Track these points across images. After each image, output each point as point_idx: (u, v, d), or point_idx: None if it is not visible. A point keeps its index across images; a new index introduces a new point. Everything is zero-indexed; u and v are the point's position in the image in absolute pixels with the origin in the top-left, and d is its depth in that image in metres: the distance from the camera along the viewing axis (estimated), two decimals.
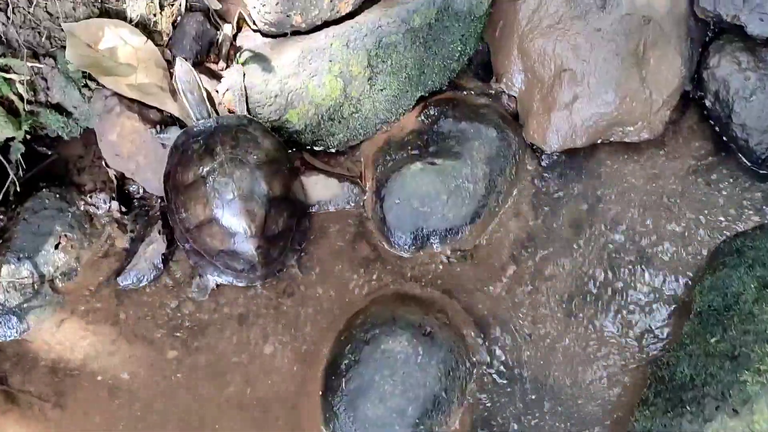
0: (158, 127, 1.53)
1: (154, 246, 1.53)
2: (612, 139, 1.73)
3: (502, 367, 1.52)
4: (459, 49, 1.71)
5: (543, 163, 1.74)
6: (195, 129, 1.51)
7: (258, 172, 1.48)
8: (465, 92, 1.80)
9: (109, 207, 1.59)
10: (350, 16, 1.62)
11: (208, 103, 1.53)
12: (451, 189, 1.57)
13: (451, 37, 1.68)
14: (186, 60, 1.52)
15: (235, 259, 1.49)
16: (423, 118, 1.72)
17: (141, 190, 1.64)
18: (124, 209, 1.60)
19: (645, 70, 1.67)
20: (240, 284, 1.55)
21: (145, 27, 1.60)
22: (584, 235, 1.66)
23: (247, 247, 1.46)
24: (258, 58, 1.54)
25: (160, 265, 1.55)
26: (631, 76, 1.66)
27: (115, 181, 1.60)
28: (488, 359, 1.52)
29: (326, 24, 1.60)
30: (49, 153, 1.64)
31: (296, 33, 1.62)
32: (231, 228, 1.45)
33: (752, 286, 1.36)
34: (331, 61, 1.56)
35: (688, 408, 1.26)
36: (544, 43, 1.70)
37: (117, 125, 1.49)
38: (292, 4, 1.53)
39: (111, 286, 1.55)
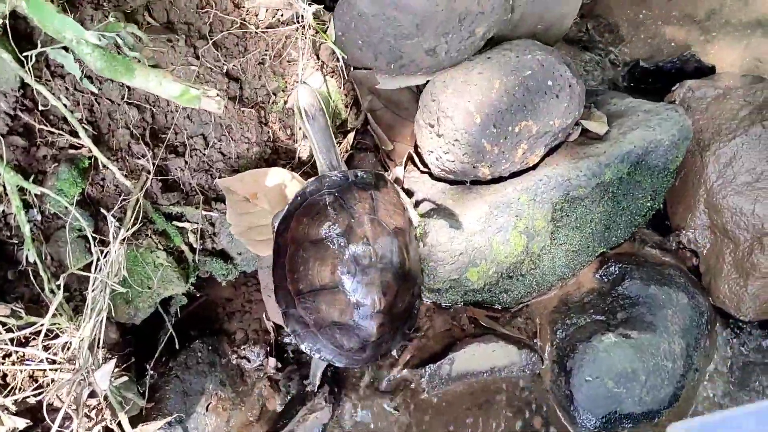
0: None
1: (317, 415, 1.37)
2: None
3: None
4: (648, 204, 1.57)
5: (736, 333, 1.56)
6: (328, 179, 1.28)
7: (395, 240, 1.27)
8: (643, 246, 1.64)
9: (264, 362, 1.44)
10: (533, 166, 1.50)
11: (336, 147, 1.38)
12: (650, 368, 1.39)
13: (642, 192, 1.54)
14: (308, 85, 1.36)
15: (347, 335, 1.24)
16: (602, 276, 1.56)
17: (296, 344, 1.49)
18: (279, 365, 1.45)
19: None
20: (338, 364, 1.28)
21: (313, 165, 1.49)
22: None
23: (370, 323, 1.22)
24: (443, 212, 1.41)
25: None
26: None
27: (272, 334, 1.46)
28: None
29: (512, 175, 1.48)
30: (198, 295, 1.51)
31: (475, 182, 1.49)
32: (358, 299, 1.22)
33: None
34: (517, 216, 1.42)
35: None
36: (739, 202, 1.54)
37: None
38: (482, 156, 1.40)
39: None
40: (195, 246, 1.33)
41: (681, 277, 1.54)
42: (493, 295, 1.51)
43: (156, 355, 1.36)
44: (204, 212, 1.33)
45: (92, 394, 1.11)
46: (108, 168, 1.19)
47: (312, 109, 1.33)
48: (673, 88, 1.74)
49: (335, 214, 1.23)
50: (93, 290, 1.07)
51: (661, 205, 1.66)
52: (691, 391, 1.46)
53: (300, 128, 1.47)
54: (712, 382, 1.50)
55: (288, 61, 1.45)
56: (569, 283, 1.57)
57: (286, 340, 1.49)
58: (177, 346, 1.36)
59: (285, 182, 1.34)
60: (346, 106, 1.53)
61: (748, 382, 1.52)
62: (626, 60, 1.89)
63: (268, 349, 1.45)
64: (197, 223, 1.33)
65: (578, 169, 1.45)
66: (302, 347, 1.25)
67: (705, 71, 1.81)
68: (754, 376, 1.52)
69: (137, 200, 1.20)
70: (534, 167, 1.50)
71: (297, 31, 1.42)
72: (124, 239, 1.14)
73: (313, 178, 1.27)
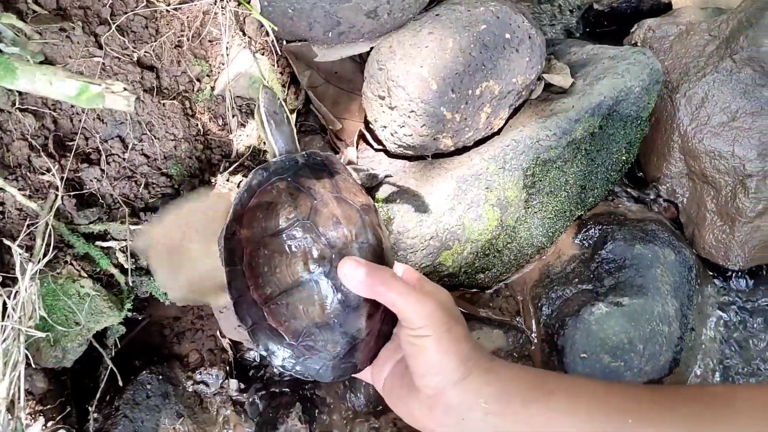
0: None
1: None
2: None
3: None
4: (623, 158, 1.44)
5: (726, 284, 1.47)
6: (275, 165, 1.04)
7: (366, 217, 1.04)
8: (621, 204, 1.53)
9: (225, 385, 1.27)
10: (498, 131, 1.35)
11: (296, 137, 1.15)
12: (646, 336, 1.28)
13: (616, 145, 1.41)
14: (270, 88, 1.11)
15: (332, 338, 0.97)
16: (582, 241, 1.44)
17: (259, 358, 1.32)
18: (242, 386, 1.28)
19: None
20: (326, 379, 0.99)
21: (254, 157, 1.32)
22: None
23: (358, 315, 0.95)
24: (407, 194, 1.25)
25: None
26: None
27: (231, 352, 1.29)
28: None
29: (476, 143, 1.33)
30: (140, 318, 1.33)
31: (437, 155, 1.34)
32: (340, 288, 0.94)
33: None
34: (487, 188, 1.28)
35: None
36: (717, 144, 1.44)
37: None
38: (443, 125, 1.25)
39: None
40: (126, 266, 1.14)
41: (664, 231, 1.43)
42: (470, 276, 1.37)
43: (98, 396, 1.18)
44: (132, 226, 1.14)
45: None
46: (5, 190, 0.99)
47: (276, 117, 1.09)
48: (632, 30, 1.62)
49: (293, 199, 0.99)
50: (4, 341, 0.87)
51: (635, 157, 1.55)
52: (690, 353, 1.36)
53: (234, 116, 1.29)
54: (710, 341, 1.41)
55: (209, 41, 1.25)
56: (549, 253, 1.45)
57: (247, 356, 1.32)
58: (120, 383, 1.18)
59: (215, 200, 1.14)
60: (284, 86, 1.34)
61: (745, 334, 1.43)
62: (578, 4, 1.75)
63: (228, 369, 1.28)
64: (125, 239, 1.14)
65: (547, 129, 1.31)
66: (277, 367, 1.01)
67: (662, 8, 1.69)
68: (750, 326, 1.44)
69: (47, 224, 1.00)
70: (499, 132, 1.36)
71: (215, 4, 1.23)
72: (35, 273, 0.95)
73: (255, 169, 1.04)
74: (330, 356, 0.97)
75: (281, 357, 0.99)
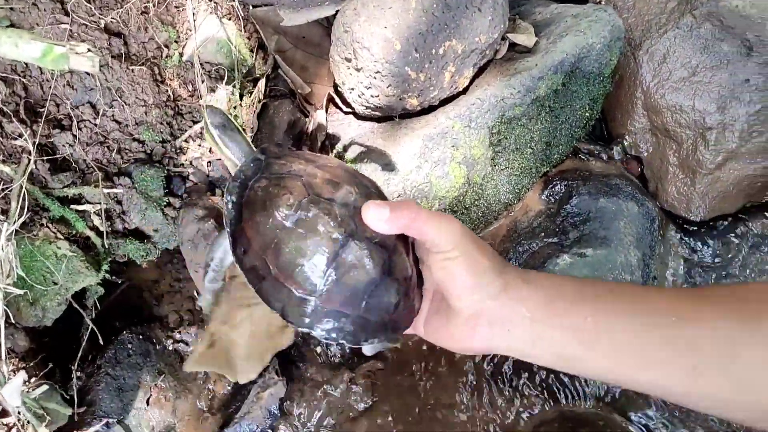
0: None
1: (272, 391, 1.26)
2: (764, 201, 1.52)
3: None
4: (587, 115, 1.48)
5: (688, 235, 1.52)
6: (242, 173, 0.95)
7: (353, 177, 0.99)
8: (585, 159, 1.57)
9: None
10: (464, 90, 1.38)
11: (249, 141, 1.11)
12: None
13: (579, 102, 1.45)
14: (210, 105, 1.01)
15: (381, 295, 0.88)
16: (548, 196, 1.49)
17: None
18: None
19: None
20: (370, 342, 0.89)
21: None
22: None
23: (390, 283, 0.87)
24: (374, 154, 1.29)
25: (277, 412, 1.28)
26: None
27: None
28: None
29: (442, 102, 1.36)
30: (119, 281, 1.36)
31: (404, 115, 1.38)
32: (369, 253, 0.86)
33: None
34: (453, 146, 1.32)
35: None
36: (678, 99, 1.48)
37: None
38: (408, 85, 1.28)
39: None
40: (102, 229, 1.18)
41: (628, 185, 1.48)
42: None
43: (79, 355, 1.22)
44: (106, 190, 1.18)
45: (4, 413, 0.97)
46: None
47: (226, 130, 1.01)
48: None
49: (282, 187, 0.91)
50: None
51: (600, 114, 1.59)
52: None
53: (203, 81, 1.32)
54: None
55: (176, 7, 1.27)
56: (516, 210, 1.49)
57: None
58: (101, 342, 1.22)
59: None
60: (251, 51, 1.37)
61: (704, 281, 1.49)
62: None
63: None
64: (100, 203, 1.17)
65: (511, 87, 1.35)
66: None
67: None
68: (709, 275, 1.49)
69: (21, 187, 1.03)
70: (464, 91, 1.39)
71: None
72: (11, 234, 0.98)
73: (227, 187, 0.94)
74: (385, 311, 0.89)
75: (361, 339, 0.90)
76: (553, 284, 0.75)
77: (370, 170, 1.27)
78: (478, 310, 0.75)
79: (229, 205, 0.91)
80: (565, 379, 1.36)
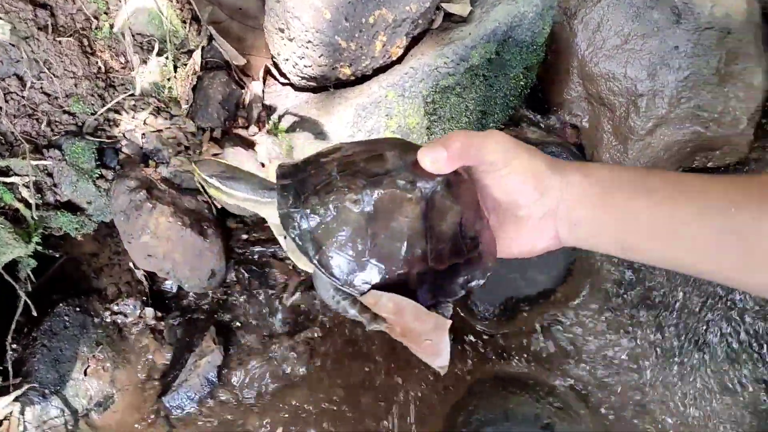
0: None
1: (209, 359, 1.28)
2: (695, 165, 1.56)
3: None
4: (522, 83, 1.50)
5: None
6: (286, 196, 0.83)
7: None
8: (523, 128, 1.59)
9: (141, 314, 1.32)
10: (398, 59, 1.40)
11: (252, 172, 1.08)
12: None
13: (513, 70, 1.47)
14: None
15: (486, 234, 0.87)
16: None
17: (176, 288, 1.38)
18: (159, 314, 1.34)
19: (728, 88, 1.49)
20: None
21: (159, 96, 1.34)
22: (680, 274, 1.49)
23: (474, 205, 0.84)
24: (306, 123, 1.30)
25: (215, 379, 1.30)
26: (715, 96, 1.48)
27: (146, 283, 1.34)
28: None
29: (375, 72, 1.37)
30: (57, 255, 1.36)
31: (338, 85, 1.39)
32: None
33: None
34: (387, 115, 1.33)
35: None
36: (611, 67, 1.51)
37: (150, 224, 1.23)
38: (340, 54, 1.29)
39: (158, 410, 1.30)
40: (31, 201, 1.18)
41: (564, 153, 1.51)
42: None
43: (13, 327, 1.22)
44: (35, 162, 1.17)
45: None
46: None
47: (225, 177, 0.89)
48: None
49: (337, 190, 0.80)
50: None
51: (538, 84, 1.61)
52: (585, 262, 1.45)
53: (136, 53, 1.31)
54: (605, 259, 1.50)
55: None
56: None
57: (164, 287, 1.38)
58: (35, 314, 1.22)
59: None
60: (184, 23, 1.36)
61: None
62: None
63: (144, 299, 1.34)
64: (28, 175, 1.17)
65: (444, 56, 1.36)
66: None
67: None
68: None
69: None
70: (399, 61, 1.40)
71: None
72: None
73: (286, 227, 0.82)
74: (477, 242, 0.85)
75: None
76: (611, 176, 0.76)
77: (303, 139, 1.28)
78: (545, 213, 0.76)
79: (298, 240, 0.79)
80: (501, 342, 1.39)
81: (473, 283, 0.83)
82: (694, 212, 0.70)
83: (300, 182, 0.83)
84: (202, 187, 0.94)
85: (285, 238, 0.88)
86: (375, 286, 0.77)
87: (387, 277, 0.78)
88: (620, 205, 0.73)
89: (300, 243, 0.80)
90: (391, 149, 0.83)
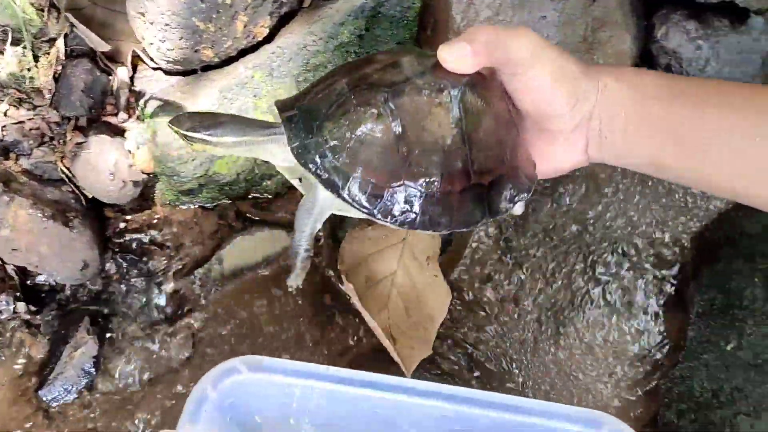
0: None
1: (83, 350, 1.27)
2: None
3: None
4: None
5: None
6: (293, 133, 0.73)
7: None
8: None
9: (14, 308, 1.31)
10: (267, 39, 1.39)
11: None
12: None
13: (386, 45, 1.48)
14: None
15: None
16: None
17: (51, 281, 1.36)
18: (33, 308, 1.32)
19: (597, 55, 1.53)
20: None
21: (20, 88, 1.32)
22: (558, 235, 1.53)
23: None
24: (169, 107, 1.29)
25: (92, 370, 1.29)
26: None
27: (16, 278, 1.32)
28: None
29: (242, 53, 1.37)
30: None
31: (207, 67, 1.38)
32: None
33: (756, 280, 1.26)
34: (255, 96, 1.33)
35: (719, 430, 1.15)
36: None
37: (8, 217, 1.21)
38: (200, 37, 1.28)
39: (36, 404, 1.28)
40: None
41: None
42: (255, 183, 1.43)
43: None
44: None
45: None
46: None
47: (207, 126, 0.81)
48: None
49: (354, 110, 0.70)
50: None
51: None
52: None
53: None
54: None
55: None
56: None
57: (38, 280, 1.36)
58: None
59: None
60: (41, 10, 1.33)
61: None
62: None
63: (18, 294, 1.32)
64: None
65: (313, 34, 1.37)
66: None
67: None
68: None
69: None
70: (269, 40, 1.40)
71: None
72: None
73: (305, 160, 0.71)
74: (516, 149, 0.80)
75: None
76: (644, 81, 0.70)
77: (165, 124, 1.27)
78: (577, 124, 0.70)
79: (322, 173, 0.69)
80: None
81: (520, 198, 0.77)
82: (740, 126, 0.63)
83: (306, 111, 0.73)
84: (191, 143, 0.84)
85: (300, 180, 0.82)
86: (416, 213, 0.68)
87: (427, 200, 0.68)
88: (658, 118, 0.67)
89: (325, 176, 0.68)
90: (405, 56, 0.74)
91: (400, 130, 0.67)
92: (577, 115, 0.70)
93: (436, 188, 0.68)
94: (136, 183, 1.33)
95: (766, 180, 0.63)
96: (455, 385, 0.86)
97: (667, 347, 1.39)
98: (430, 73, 0.71)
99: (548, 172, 0.77)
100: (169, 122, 0.77)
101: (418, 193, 0.67)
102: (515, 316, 1.43)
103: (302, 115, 0.72)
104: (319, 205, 0.77)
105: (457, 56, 0.67)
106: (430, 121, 0.68)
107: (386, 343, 1.24)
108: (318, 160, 0.68)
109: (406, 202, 0.67)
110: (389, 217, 0.68)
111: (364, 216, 0.70)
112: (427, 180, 0.68)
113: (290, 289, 1.02)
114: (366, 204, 0.68)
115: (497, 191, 0.74)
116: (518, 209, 0.79)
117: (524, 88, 0.71)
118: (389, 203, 0.68)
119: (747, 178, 0.65)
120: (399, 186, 0.67)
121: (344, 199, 0.68)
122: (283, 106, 0.77)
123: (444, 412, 0.86)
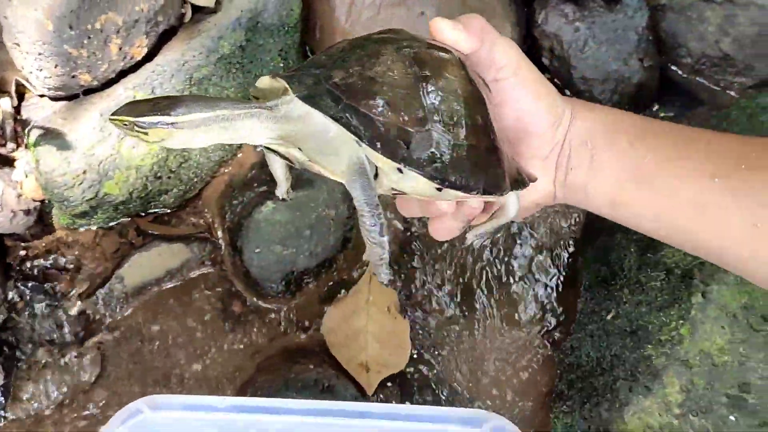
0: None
1: None
2: None
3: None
4: (282, 64, 1.55)
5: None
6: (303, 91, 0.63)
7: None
8: None
9: None
10: (148, 58, 1.41)
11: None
12: (312, 222, 1.43)
13: (269, 54, 1.51)
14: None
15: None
16: (262, 147, 1.55)
17: None
18: None
19: None
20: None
21: None
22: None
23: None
24: (50, 134, 1.31)
25: (1, 399, 1.31)
26: None
27: None
28: None
29: (122, 74, 1.39)
30: None
31: (89, 91, 1.40)
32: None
33: (632, 250, 1.32)
34: None
35: (602, 396, 1.22)
36: None
37: None
38: (74, 63, 1.30)
39: None
40: None
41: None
42: (151, 199, 1.46)
43: None
44: None
45: None
46: None
47: (165, 107, 0.63)
48: None
49: (371, 62, 0.63)
50: None
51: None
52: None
53: None
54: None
55: None
56: (233, 164, 1.56)
57: None
58: None
59: None
60: None
61: None
62: None
63: None
64: None
65: (192, 50, 1.39)
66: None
67: None
68: None
69: None
70: (150, 59, 1.42)
71: None
72: None
73: (303, 98, 0.62)
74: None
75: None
76: (614, 117, 0.70)
77: (45, 152, 1.30)
78: (553, 148, 0.69)
79: (345, 117, 0.59)
80: (290, 315, 1.46)
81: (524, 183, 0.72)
82: (702, 167, 0.62)
83: (306, 69, 0.65)
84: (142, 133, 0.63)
85: (300, 149, 0.69)
86: (446, 165, 0.61)
87: (456, 151, 0.62)
88: (622, 151, 0.67)
89: (347, 120, 0.59)
90: (399, 32, 0.70)
91: (418, 69, 0.63)
92: (555, 137, 0.70)
93: (462, 139, 0.63)
94: (27, 212, 1.35)
95: (726, 226, 0.62)
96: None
97: (563, 321, 1.45)
98: (428, 44, 0.67)
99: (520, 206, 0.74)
100: (111, 116, 0.64)
101: (447, 142, 0.62)
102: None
103: (305, 71, 0.64)
104: (349, 161, 0.65)
105: (452, 26, 0.66)
106: (445, 70, 0.64)
107: (355, 374, 1.38)
108: (333, 105, 0.60)
109: (435, 150, 0.61)
110: (420, 169, 0.61)
111: (394, 165, 0.61)
112: (453, 127, 0.62)
113: (383, 285, 0.92)
114: (393, 152, 0.60)
115: (512, 163, 0.70)
116: (512, 209, 0.74)
117: (508, 99, 0.70)
118: (420, 151, 0.61)
119: (704, 223, 0.63)
120: (427, 131, 0.61)
121: (369, 147, 0.60)
122: (276, 75, 0.68)
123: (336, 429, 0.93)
